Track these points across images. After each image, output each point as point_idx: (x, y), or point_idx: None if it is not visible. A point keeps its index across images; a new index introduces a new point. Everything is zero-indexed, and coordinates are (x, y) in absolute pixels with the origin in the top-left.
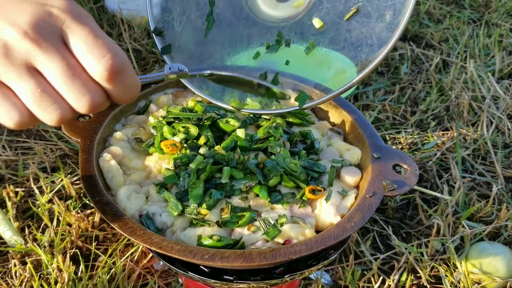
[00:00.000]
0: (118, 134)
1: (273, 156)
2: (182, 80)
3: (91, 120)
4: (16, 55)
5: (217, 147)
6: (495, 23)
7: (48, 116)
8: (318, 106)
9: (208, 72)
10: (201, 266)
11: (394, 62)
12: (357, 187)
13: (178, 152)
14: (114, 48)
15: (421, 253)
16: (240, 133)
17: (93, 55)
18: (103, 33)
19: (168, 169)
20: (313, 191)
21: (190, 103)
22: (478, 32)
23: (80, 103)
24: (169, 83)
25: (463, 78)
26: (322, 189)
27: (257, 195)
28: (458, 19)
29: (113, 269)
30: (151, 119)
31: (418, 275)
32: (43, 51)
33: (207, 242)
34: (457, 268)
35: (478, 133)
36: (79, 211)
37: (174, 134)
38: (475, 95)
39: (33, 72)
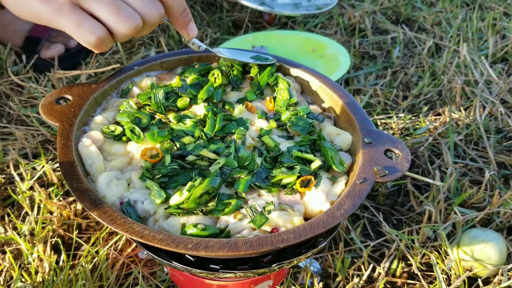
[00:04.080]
0: (98, 118)
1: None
2: None
3: (71, 104)
4: None
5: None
6: (489, 6)
7: (126, 25)
8: (309, 90)
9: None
10: (186, 256)
11: (386, 46)
12: (347, 173)
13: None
14: None
15: (412, 240)
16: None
17: None
18: None
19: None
20: (303, 183)
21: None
22: (471, 16)
23: (151, 14)
24: (153, 66)
25: (455, 62)
26: (313, 177)
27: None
28: (451, 2)
29: (96, 259)
30: (125, 104)
31: (409, 262)
32: None
33: (191, 231)
34: (448, 255)
35: (470, 118)
36: (61, 199)
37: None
38: (468, 79)
39: None
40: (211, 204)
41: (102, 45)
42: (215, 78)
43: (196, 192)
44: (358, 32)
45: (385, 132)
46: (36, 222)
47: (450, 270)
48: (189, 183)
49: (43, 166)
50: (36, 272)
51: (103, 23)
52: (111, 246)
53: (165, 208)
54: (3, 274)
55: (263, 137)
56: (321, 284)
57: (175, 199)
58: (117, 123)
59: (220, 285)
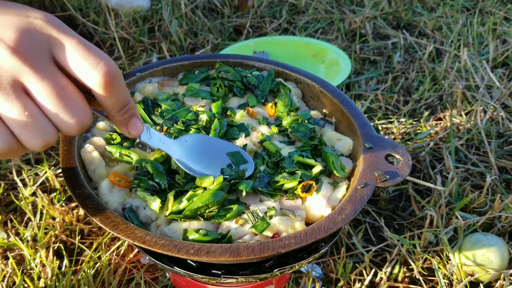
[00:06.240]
0: (101, 124)
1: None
2: None
3: None
4: (3, 74)
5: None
6: (489, 11)
7: (33, 141)
8: (310, 96)
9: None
10: (188, 261)
11: (387, 51)
12: (348, 178)
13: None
14: (105, 56)
15: (414, 245)
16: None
17: (87, 63)
18: (90, 43)
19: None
20: (304, 188)
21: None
22: (472, 20)
23: (68, 126)
24: (155, 72)
25: (456, 67)
26: (314, 183)
27: None
28: (452, 7)
29: (98, 264)
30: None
31: (410, 267)
32: (33, 69)
33: (193, 236)
34: (450, 260)
35: (471, 122)
36: (63, 204)
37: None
38: (468, 84)
39: (20, 92)
40: (213, 209)
41: (8, 155)
42: (217, 88)
43: (194, 204)
44: (359, 37)
45: (386, 137)
46: (38, 228)
47: (451, 275)
48: (190, 193)
49: (45, 172)
50: (39, 278)
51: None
52: (113, 251)
53: (172, 213)
54: (6, 279)
55: (264, 143)
56: None
57: (183, 204)
58: (116, 131)
59: None
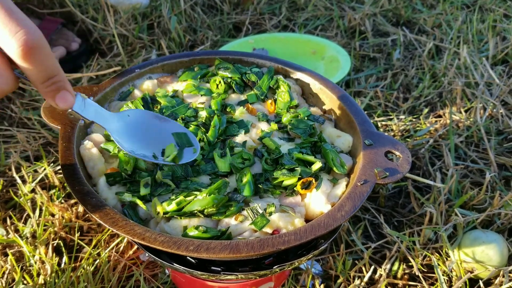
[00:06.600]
0: None
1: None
2: None
3: None
4: None
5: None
6: (489, 8)
7: None
8: (309, 93)
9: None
10: (188, 257)
11: (386, 48)
12: (348, 174)
13: None
14: (28, 24)
15: (413, 242)
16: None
17: (6, 30)
18: (17, 8)
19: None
20: (304, 185)
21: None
22: (471, 18)
23: None
24: (154, 68)
25: (456, 64)
26: (313, 179)
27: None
28: (452, 4)
29: (98, 261)
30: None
31: (410, 264)
32: None
33: (192, 233)
34: (449, 257)
35: (471, 119)
36: (62, 201)
37: None
38: (468, 81)
39: None
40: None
41: None
42: (217, 85)
43: (193, 206)
44: (358, 34)
45: (386, 134)
46: (38, 225)
47: (451, 271)
48: (180, 199)
49: (44, 169)
50: (38, 274)
51: None
52: (112, 248)
53: (164, 213)
54: (5, 276)
55: (264, 139)
56: (322, 286)
57: (170, 207)
58: None
59: (222, 286)
